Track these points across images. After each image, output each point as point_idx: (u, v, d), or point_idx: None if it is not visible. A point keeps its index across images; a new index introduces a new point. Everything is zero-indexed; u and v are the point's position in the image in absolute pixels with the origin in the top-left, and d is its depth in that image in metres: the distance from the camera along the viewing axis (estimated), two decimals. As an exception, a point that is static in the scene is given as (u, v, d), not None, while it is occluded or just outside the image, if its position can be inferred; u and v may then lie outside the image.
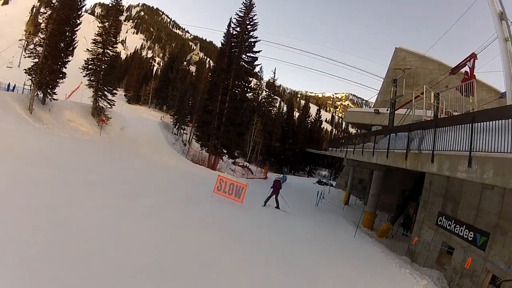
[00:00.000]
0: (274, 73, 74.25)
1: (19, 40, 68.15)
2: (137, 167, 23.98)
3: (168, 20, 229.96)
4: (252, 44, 38.74)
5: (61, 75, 29.84)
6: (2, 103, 25.45)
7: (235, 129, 37.18)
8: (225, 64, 37.85)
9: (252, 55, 39.00)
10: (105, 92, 33.71)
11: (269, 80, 76.35)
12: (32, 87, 28.22)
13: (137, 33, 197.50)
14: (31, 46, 28.67)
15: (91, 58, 33.49)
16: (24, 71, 28.18)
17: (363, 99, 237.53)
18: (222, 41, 41.06)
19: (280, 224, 16.00)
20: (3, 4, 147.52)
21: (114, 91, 35.09)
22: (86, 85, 33.20)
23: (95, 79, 33.12)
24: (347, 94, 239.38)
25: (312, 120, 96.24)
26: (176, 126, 52.25)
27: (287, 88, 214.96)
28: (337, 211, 25.78)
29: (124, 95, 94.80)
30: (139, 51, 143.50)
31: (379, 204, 24.04)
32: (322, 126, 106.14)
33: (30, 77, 28.00)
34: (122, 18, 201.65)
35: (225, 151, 38.33)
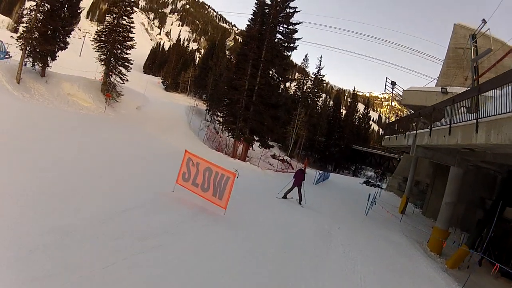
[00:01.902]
0: (320, 60, 65.51)
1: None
2: (119, 147, 18.47)
3: (214, 13, 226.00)
4: (290, 14, 30.87)
5: (62, 44, 26.86)
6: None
7: (268, 111, 29.69)
8: (256, 32, 30.18)
9: (290, 27, 31.23)
10: (119, 67, 29.81)
11: (315, 75, 68.41)
12: (22, 54, 24.90)
13: (182, 26, 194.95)
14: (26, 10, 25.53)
15: (104, 29, 29.78)
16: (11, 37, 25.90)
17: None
18: (254, 9, 32.41)
19: (313, 256, 10.00)
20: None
21: (129, 66, 30.54)
22: (98, 58, 29.44)
23: (107, 51, 29.20)
24: (394, 95, 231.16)
25: (360, 115, 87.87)
26: (210, 113, 46.39)
27: (334, 85, 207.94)
28: (393, 224, 19.18)
29: (162, 82, 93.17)
30: (183, 42, 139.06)
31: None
32: (370, 123, 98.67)
33: (20, 44, 24.87)
34: (167, 10, 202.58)
35: (255, 138, 30.98)
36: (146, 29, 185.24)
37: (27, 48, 24.91)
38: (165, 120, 31.32)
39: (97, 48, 29.09)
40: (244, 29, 31.66)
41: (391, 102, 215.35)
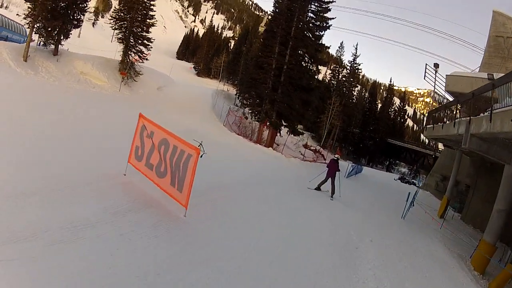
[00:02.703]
0: (356, 48, 62.02)
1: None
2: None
3: (250, 2, 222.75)
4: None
5: (75, 22, 26.11)
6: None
7: (298, 95, 26.61)
8: (284, 7, 27.03)
9: (323, 5, 27.99)
10: (139, 46, 28.57)
11: (350, 63, 64.77)
12: (29, 32, 23.98)
13: (217, 13, 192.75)
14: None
15: (122, 7, 28.52)
16: (17, 14, 25.41)
17: (444, 97, 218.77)
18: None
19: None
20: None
21: (149, 45, 29.17)
22: (117, 37, 28.57)
23: (125, 30, 28.01)
24: (429, 91, 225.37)
25: (396, 109, 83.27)
26: (239, 98, 43.36)
27: (370, 78, 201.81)
28: (433, 231, 15.73)
29: (194, 67, 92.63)
30: (217, 29, 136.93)
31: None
32: (405, 117, 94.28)
33: (27, 21, 23.74)
34: None
35: (284, 123, 28.02)
36: (180, 17, 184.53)
37: (35, 26, 23.75)
38: (187, 102, 29.08)
39: (115, 26, 27.97)
40: (273, 5, 28.28)
41: (426, 98, 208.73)
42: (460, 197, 26.04)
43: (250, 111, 28.46)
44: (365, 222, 12.87)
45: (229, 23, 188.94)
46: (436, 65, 26.17)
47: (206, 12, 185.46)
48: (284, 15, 26.67)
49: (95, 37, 25.74)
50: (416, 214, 17.37)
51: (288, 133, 28.94)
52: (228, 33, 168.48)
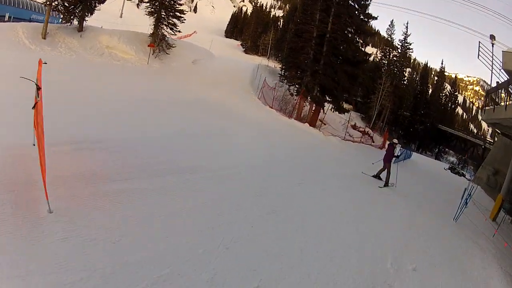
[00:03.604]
0: (407, 27, 58.18)
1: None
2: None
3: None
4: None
5: None
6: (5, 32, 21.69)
7: (343, 67, 23.94)
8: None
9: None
10: (171, 18, 27.86)
11: (401, 42, 60.55)
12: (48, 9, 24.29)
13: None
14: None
15: None
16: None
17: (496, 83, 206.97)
18: None
19: None
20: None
21: (181, 17, 28.48)
22: (147, 11, 27.73)
23: (156, 2, 27.32)
24: (478, 79, 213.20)
25: (447, 93, 78.13)
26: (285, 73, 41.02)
27: (421, 62, 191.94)
28: (486, 241, 12.44)
29: (241, 44, 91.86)
30: (265, 8, 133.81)
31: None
32: (457, 101, 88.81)
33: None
34: None
35: (328, 99, 25.49)
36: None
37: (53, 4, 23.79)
38: (223, 75, 27.11)
39: None
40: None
41: (475, 86, 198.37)
42: (509, 195, 22.59)
43: (289, 85, 25.88)
44: (408, 231, 9.97)
45: (279, 3, 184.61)
46: (492, 37, 22.85)
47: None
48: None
49: (138, 17, 25.37)
50: (468, 214, 14.13)
51: (333, 109, 26.43)
52: (278, 13, 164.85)
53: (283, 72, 32.58)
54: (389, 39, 61.90)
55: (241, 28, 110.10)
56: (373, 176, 14.25)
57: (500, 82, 20.26)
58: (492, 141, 68.27)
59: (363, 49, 26.36)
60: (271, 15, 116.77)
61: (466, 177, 38.40)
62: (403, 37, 58.45)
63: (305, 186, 10.28)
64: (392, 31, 60.74)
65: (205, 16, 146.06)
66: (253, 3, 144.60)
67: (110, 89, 15.63)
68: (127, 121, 11.15)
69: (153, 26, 27.27)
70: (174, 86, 21.33)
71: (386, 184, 13.59)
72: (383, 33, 63.74)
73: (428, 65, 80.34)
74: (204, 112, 16.70)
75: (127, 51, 25.52)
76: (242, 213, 6.92)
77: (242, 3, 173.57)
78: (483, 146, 62.03)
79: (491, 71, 23.17)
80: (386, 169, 13.82)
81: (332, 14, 23.52)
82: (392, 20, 61.32)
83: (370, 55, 29.00)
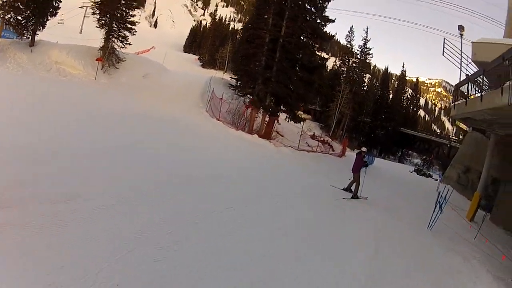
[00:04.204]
0: (366, 32, 57.43)
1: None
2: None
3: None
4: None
5: (49, 10, 24.51)
6: None
7: (298, 74, 21.93)
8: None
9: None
10: (123, 31, 26.36)
11: (361, 48, 59.42)
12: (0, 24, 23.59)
13: (227, 6, 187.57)
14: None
15: None
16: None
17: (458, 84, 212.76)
18: None
19: None
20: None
21: (133, 29, 26.78)
22: (97, 22, 26.01)
23: (106, 13, 25.63)
24: (440, 81, 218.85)
25: (409, 96, 78.77)
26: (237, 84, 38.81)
27: (381, 69, 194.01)
28: (466, 246, 10.91)
29: (198, 59, 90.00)
30: (224, 21, 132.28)
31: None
32: (419, 103, 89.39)
33: None
34: None
35: (282, 108, 23.13)
36: (189, 11, 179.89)
37: (5, 18, 22.96)
38: (174, 89, 25.72)
39: (97, 10, 25.41)
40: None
41: (437, 88, 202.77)
42: (485, 192, 20.93)
43: (240, 95, 23.23)
44: (378, 246, 8.31)
45: (239, 15, 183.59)
46: (461, 27, 21.49)
47: (216, 6, 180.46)
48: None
49: (98, 32, 24.03)
50: (442, 217, 12.25)
51: (288, 119, 24.04)
52: (238, 26, 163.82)
53: (236, 82, 30.10)
54: (348, 45, 61.15)
55: (199, 42, 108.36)
56: (343, 189, 13.18)
57: (469, 75, 18.79)
58: (456, 139, 68.46)
59: (319, 53, 24.16)
60: (230, 28, 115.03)
61: (433, 177, 37.75)
62: (363, 42, 57.83)
63: (233, 213, 7.67)
64: (352, 37, 60.25)
65: (165, 31, 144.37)
66: (213, 17, 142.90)
67: (44, 106, 13.31)
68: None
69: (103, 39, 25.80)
70: (119, 101, 19.63)
71: (355, 196, 12.44)
72: (343, 41, 63.39)
73: (389, 70, 79.72)
74: (144, 126, 14.79)
75: (75, 66, 24.34)
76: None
77: (202, 17, 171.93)
78: (448, 145, 62.64)
79: (460, 63, 22.01)
80: (355, 180, 12.74)
81: (286, 18, 21.42)
82: (352, 26, 60.88)
83: (327, 59, 26.89)
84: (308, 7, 22.76)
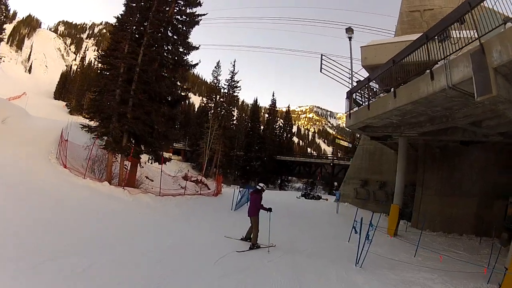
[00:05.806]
0: (234, 65, 57.23)
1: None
2: None
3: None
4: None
5: None
6: None
7: (159, 108, 18.74)
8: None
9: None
10: None
11: (228, 82, 59.69)
12: None
13: (98, 50, 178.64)
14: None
15: None
16: None
17: (327, 111, 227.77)
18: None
19: None
20: None
21: None
22: None
23: None
24: (311, 107, 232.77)
25: (281, 124, 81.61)
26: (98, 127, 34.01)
27: (250, 104, 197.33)
28: (407, 269, 9.51)
29: (66, 105, 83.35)
30: (93, 64, 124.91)
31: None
32: (292, 130, 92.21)
33: None
34: (84, 36, 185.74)
35: (142, 148, 19.18)
36: (62, 55, 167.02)
37: None
38: (28, 135, 20.68)
39: None
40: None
41: (308, 114, 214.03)
42: (404, 199, 20.05)
43: (94, 136, 18.98)
44: None
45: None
46: (349, 30, 21.49)
47: (87, 49, 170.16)
48: (136, 2, 18.89)
49: None
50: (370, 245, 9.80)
51: (151, 161, 20.54)
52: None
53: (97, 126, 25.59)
54: (215, 81, 60.56)
55: (68, 88, 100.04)
56: (241, 239, 10.74)
57: (360, 80, 18.37)
58: (335, 157, 70.75)
59: (181, 84, 21.64)
60: (96, 68, 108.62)
61: (322, 198, 36.88)
62: (230, 76, 57.51)
63: None
64: (219, 72, 60.51)
65: (38, 77, 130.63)
66: (84, 61, 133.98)
67: None
68: None
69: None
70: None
71: (255, 245, 9.91)
72: (210, 78, 63.20)
73: (258, 102, 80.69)
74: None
75: None
76: None
77: (74, 61, 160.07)
78: (331, 164, 63.53)
79: (351, 68, 22.42)
80: (252, 226, 10.34)
81: (144, 44, 18.26)
82: (219, 61, 60.60)
83: (189, 90, 24.42)
84: (171, 33, 20.40)
